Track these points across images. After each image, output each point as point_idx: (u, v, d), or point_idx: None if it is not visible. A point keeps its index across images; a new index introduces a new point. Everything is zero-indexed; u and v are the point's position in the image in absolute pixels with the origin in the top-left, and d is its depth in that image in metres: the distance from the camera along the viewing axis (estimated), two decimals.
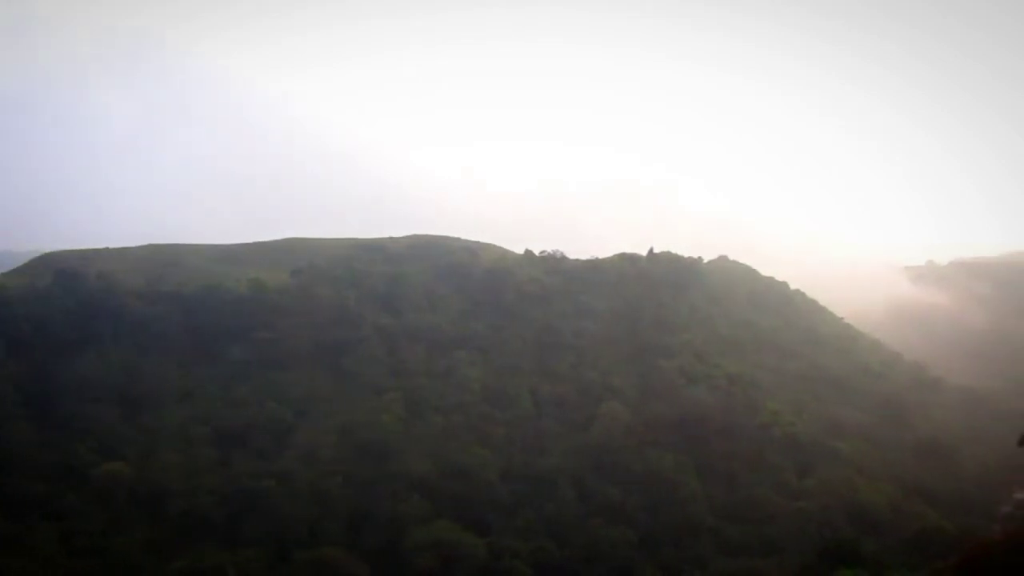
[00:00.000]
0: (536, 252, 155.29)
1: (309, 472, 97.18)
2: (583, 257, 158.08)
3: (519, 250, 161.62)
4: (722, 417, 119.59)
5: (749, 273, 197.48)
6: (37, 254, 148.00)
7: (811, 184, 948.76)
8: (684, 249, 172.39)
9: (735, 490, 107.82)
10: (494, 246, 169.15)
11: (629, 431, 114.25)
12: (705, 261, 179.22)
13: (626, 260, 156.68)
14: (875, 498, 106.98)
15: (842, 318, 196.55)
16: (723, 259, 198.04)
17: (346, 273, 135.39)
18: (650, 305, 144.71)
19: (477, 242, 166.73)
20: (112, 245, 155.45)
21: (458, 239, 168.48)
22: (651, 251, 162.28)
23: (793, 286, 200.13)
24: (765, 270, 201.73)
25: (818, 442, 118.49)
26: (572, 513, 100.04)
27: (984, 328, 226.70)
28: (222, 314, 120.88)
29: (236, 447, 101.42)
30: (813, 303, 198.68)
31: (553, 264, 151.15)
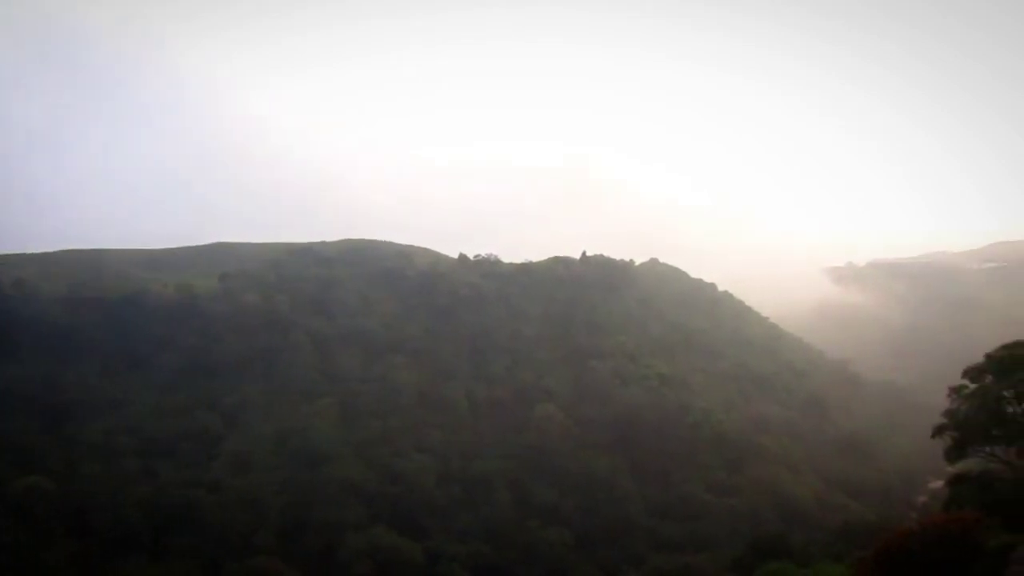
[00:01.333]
0: (471, 256, 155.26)
1: (241, 481, 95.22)
2: (519, 260, 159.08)
3: (455, 254, 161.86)
4: (655, 417, 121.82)
5: (679, 275, 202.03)
6: None
7: (787, 182, 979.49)
8: (616, 252, 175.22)
9: (668, 488, 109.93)
10: (429, 250, 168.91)
11: (564, 433, 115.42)
12: (637, 264, 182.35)
13: (559, 263, 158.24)
14: (801, 492, 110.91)
15: (767, 318, 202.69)
16: (654, 262, 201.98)
17: (277, 278, 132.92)
18: (583, 308, 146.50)
19: (411, 246, 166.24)
20: (29, 250, 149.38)
21: (391, 243, 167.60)
22: (584, 254, 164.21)
23: (721, 287, 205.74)
24: (695, 272, 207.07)
25: (746, 439, 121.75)
26: (509, 515, 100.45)
27: (901, 325, 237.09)
28: (148, 321, 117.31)
29: (164, 458, 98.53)
30: (740, 304, 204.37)
31: (488, 268, 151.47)
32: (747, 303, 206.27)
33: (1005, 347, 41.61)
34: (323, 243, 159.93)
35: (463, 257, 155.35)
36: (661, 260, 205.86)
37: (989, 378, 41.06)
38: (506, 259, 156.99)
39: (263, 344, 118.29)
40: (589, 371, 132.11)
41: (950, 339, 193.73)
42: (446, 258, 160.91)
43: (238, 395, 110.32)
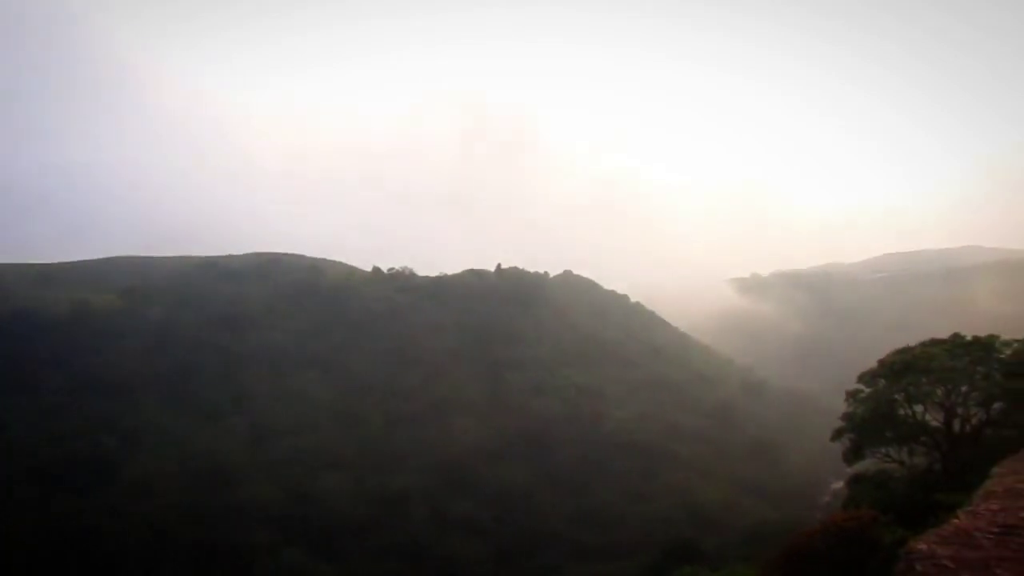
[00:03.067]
0: (384, 269, 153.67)
1: (143, 506, 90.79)
2: (434, 273, 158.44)
3: (368, 267, 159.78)
4: (570, 427, 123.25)
5: (591, 287, 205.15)
6: None
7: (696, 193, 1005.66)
8: (530, 264, 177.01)
9: (585, 497, 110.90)
10: (340, 263, 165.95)
11: (481, 445, 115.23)
12: (551, 276, 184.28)
13: (474, 276, 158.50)
14: (712, 497, 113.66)
15: (677, 328, 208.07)
16: (567, 273, 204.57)
17: (182, 293, 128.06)
18: (499, 320, 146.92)
19: (323, 259, 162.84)
20: None
21: (302, 256, 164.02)
22: (499, 267, 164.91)
23: (633, 298, 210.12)
24: (608, 283, 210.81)
25: (660, 447, 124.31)
26: (427, 531, 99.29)
27: (802, 333, 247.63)
28: (40, 340, 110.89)
29: (57, 485, 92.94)
30: (652, 314, 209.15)
31: (403, 281, 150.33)
32: (658, 314, 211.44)
33: (895, 352, 43.89)
34: (230, 256, 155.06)
35: (377, 270, 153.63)
36: (575, 272, 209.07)
37: (882, 382, 43.16)
38: (420, 272, 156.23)
39: (167, 362, 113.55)
40: (505, 383, 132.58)
41: (846, 346, 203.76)
42: (359, 271, 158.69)
43: (138, 416, 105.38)
